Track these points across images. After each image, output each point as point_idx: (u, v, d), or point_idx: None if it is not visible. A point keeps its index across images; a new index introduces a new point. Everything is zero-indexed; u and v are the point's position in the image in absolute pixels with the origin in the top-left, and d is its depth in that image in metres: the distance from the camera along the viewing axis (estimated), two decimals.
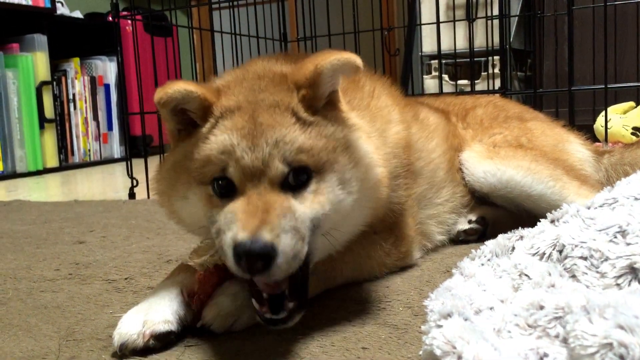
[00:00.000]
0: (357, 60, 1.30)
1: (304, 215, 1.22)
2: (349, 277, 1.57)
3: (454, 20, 4.09)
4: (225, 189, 1.26)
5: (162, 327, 1.24)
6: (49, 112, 5.91)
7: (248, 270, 1.12)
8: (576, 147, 2.22)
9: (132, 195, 3.61)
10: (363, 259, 1.58)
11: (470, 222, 2.01)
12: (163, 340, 1.25)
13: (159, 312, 1.27)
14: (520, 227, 1.39)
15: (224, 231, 1.19)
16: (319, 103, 1.34)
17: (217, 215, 1.24)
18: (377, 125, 1.61)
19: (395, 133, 1.68)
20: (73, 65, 6.41)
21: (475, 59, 4.97)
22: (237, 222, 1.15)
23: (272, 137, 1.24)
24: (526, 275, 1.16)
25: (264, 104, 1.30)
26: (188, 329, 1.32)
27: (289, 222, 1.17)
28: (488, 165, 1.97)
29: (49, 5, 6.02)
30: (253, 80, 1.38)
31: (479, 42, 4.68)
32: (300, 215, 1.21)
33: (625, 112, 4.26)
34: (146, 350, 1.22)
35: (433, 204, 1.94)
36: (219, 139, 1.27)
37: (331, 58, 1.29)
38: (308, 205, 1.24)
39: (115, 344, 1.22)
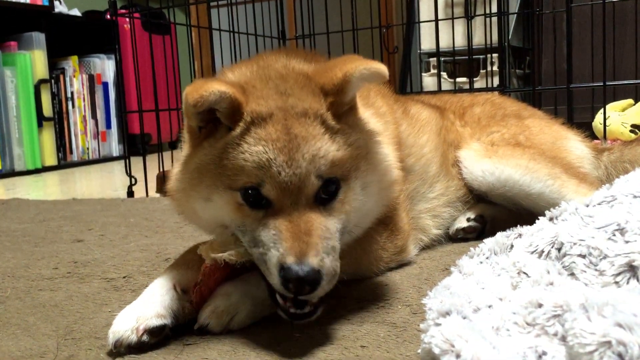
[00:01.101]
0: (385, 71, 1.32)
1: (334, 228, 1.27)
2: (347, 273, 1.57)
3: (453, 18, 4.08)
4: (256, 198, 1.27)
5: (155, 322, 1.25)
6: (47, 110, 5.90)
7: (295, 293, 1.18)
8: (574, 144, 2.22)
9: (130, 193, 3.61)
10: (359, 253, 1.59)
11: (468, 220, 2.00)
12: (157, 335, 1.25)
13: (152, 307, 1.28)
14: (518, 225, 1.39)
15: (269, 248, 1.22)
16: (343, 109, 1.36)
17: (253, 226, 1.27)
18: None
19: (390, 132, 1.70)
20: (71, 64, 6.40)
21: (474, 57, 4.97)
22: (282, 243, 1.19)
23: (308, 152, 1.25)
24: (525, 273, 1.16)
25: (294, 112, 1.29)
26: (187, 328, 1.32)
27: (329, 243, 1.22)
28: (486, 164, 1.97)
29: (47, 3, 6.01)
30: (277, 80, 1.37)
31: (478, 39, 4.66)
32: (332, 230, 1.26)
33: (623, 110, 4.26)
34: (141, 346, 1.23)
35: (427, 198, 1.95)
36: (253, 149, 1.26)
37: (360, 67, 1.30)
38: (336, 216, 1.29)
39: (110, 342, 1.22)
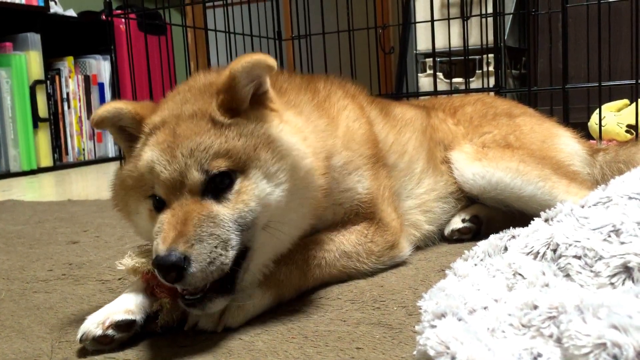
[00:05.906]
0: (267, 60, 1.35)
1: (225, 218, 1.27)
2: (337, 267, 1.57)
3: (449, 19, 4.09)
4: (160, 203, 1.32)
5: (122, 316, 1.27)
6: (42, 111, 5.88)
7: (166, 280, 1.20)
8: (565, 141, 2.22)
9: None
10: (346, 246, 1.59)
11: (463, 220, 2.00)
12: (125, 330, 1.27)
13: (122, 304, 1.31)
14: (513, 226, 1.39)
15: (153, 242, 1.26)
16: (241, 105, 1.39)
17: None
18: (320, 122, 1.61)
19: (344, 127, 1.70)
20: (67, 64, 6.38)
21: (470, 57, 4.97)
22: (160, 234, 1.23)
23: (187, 148, 1.29)
24: (520, 274, 1.15)
25: (184, 115, 1.35)
26: (180, 330, 1.32)
27: (206, 230, 1.22)
28: (477, 167, 1.97)
29: (42, 3, 5.99)
30: (183, 92, 1.45)
31: (474, 40, 4.67)
32: (222, 219, 1.26)
33: (619, 110, 4.26)
34: (108, 340, 1.25)
35: (415, 194, 1.95)
36: (146, 156, 1.34)
37: (243, 61, 1.35)
38: (231, 207, 1.29)
39: (78, 336, 1.25)
